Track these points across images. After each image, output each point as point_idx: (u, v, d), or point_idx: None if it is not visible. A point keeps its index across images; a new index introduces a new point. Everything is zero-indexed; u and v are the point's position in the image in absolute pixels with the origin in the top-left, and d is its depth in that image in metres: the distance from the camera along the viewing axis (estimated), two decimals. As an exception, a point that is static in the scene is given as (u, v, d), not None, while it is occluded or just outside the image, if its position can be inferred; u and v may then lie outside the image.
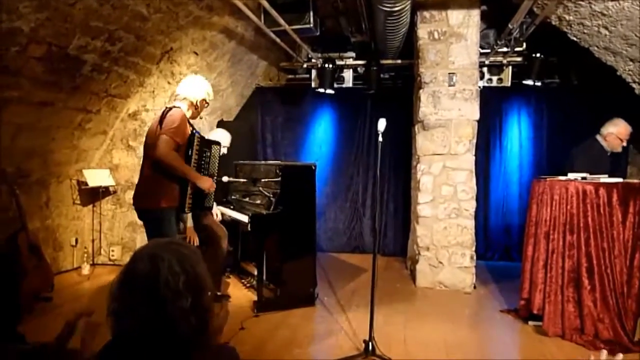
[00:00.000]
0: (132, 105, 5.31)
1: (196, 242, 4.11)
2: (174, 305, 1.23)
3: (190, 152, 3.23)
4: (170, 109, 3.25)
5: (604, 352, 1.49)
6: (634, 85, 4.56)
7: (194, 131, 3.30)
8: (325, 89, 6.42)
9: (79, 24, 3.76)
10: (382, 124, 3.20)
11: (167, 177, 3.18)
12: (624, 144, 4.50)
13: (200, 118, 3.78)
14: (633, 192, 3.43)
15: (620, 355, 1.46)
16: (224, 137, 4.67)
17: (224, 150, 4.58)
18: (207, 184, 3.31)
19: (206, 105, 3.54)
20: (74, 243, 5.17)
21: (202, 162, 3.36)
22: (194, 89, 3.42)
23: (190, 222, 4.18)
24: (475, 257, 4.98)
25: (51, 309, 3.94)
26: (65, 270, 5.09)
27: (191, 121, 3.42)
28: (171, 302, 1.23)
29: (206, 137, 3.56)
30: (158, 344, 1.24)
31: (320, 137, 7.05)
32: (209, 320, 1.35)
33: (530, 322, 3.81)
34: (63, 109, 4.41)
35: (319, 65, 6.45)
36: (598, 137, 4.50)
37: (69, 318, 1.68)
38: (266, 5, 4.30)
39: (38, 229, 4.61)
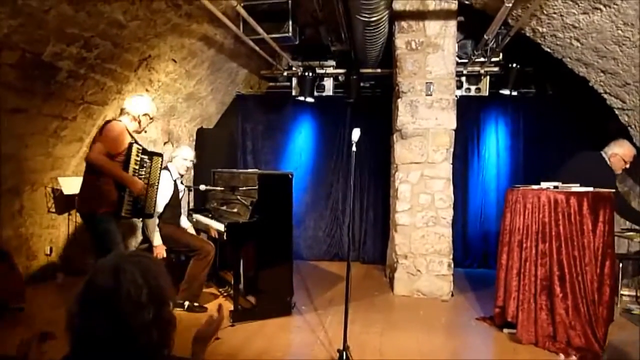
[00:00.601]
0: (110, 112, 5.26)
1: (163, 256, 4.26)
2: (135, 318, 1.22)
3: (128, 161, 3.55)
4: (110, 121, 3.65)
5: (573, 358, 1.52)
6: (605, 96, 4.66)
7: (133, 142, 3.60)
8: (305, 97, 6.45)
9: (53, 31, 3.73)
10: (356, 134, 3.22)
11: (104, 183, 3.50)
12: (627, 166, 4.39)
13: (145, 132, 4.15)
14: (603, 201, 3.49)
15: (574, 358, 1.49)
16: (188, 153, 4.70)
17: (188, 164, 4.65)
18: (137, 186, 3.57)
19: (150, 120, 3.90)
20: (48, 252, 5.08)
21: (142, 172, 3.67)
22: (136, 105, 3.79)
23: (158, 240, 4.28)
24: (452, 265, 5.02)
25: (23, 320, 3.87)
26: (40, 280, 5.00)
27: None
28: (133, 315, 1.22)
29: (149, 150, 3.89)
30: (117, 357, 1.22)
31: (301, 145, 7.07)
32: (171, 332, 1.35)
33: (505, 330, 3.85)
34: (37, 116, 4.35)
35: (299, 74, 6.48)
36: (604, 155, 4.37)
37: (24, 337, 1.64)
38: (244, 14, 4.31)
39: (11, 237, 4.53)
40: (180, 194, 4.69)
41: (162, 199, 4.36)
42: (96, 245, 3.66)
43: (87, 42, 4.10)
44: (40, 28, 3.60)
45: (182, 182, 4.75)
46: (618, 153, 4.34)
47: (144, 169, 3.68)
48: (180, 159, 4.62)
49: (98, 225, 3.54)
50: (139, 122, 3.80)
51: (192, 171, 6.64)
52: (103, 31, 4.11)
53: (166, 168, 4.52)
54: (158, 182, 3.84)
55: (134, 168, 3.58)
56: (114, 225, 3.57)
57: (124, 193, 3.55)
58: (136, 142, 3.66)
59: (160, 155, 3.88)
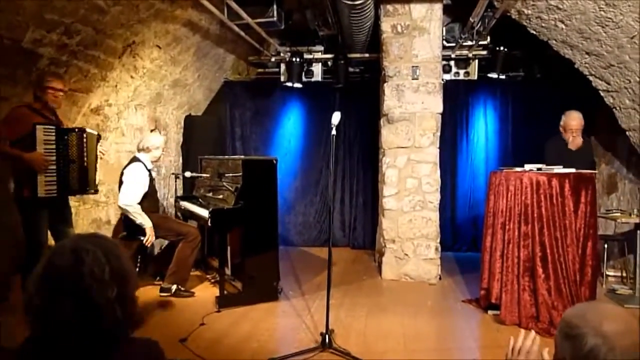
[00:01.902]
0: (95, 100, 5.21)
1: (153, 238, 4.37)
2: (99, 296, 1.22)
3: (34, 143, 3.52)
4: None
5: (522, 332, 1.55)
6: (590, 78, 4.65)
7: (37, 123, 3.56)
8: (293, 83, 6.42)
9: (32, 17, 3.67)
10: (336, 117, 3.22)
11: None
12: (575, 135, 4.35)
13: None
14: (584, 182, 3.51)
15: (532, 333, 1.52)
16: (156, 141, 4.74)
17: (156, 153, 4.63)
18: (35, 158, 3.48)
19: (58, 92, 3.80)
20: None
21: (60, 152, 3.65)
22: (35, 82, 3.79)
23: (149, 222, 4.34)
24: (440, 249, 5.04)
25: (7, 310, 3.87)
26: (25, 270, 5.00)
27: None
28: (97, 292, 1.22)
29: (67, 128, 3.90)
30: (81, 337, 1.22)
31: (290, 131, 7.05)
32: (134, 311, 1.35)
33: (490, 312, 3.89)
34: (19, 104, 4.31)
35: (287, 59, 6.44)
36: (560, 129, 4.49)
37: None
38: (227, -2, 4.27)
39: (-4, 226, 4.52)
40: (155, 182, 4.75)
41: (140, 188, 4.43)
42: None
43: (68, 28, 4.04)
44: (18, 14, 3.55)
45: (153, 170, 4.77)
46: (561, 125, 4.41)
47: (61, 149, 3.66)
48: (152, 148, 4.67)
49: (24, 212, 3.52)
50: (39, 98, 3.77)
51: (180, 158, 6.63)
52: (84, 17, 4.05)
53: (137, 159, 4.55)
54: (81, 158, 3.81)
55: (46, 149, 3.57)
56: (36, 214, 3.57)
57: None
58: (49, 123, 3.65)
59: (79, 130, 3.87)
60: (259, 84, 7.11)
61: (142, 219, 4.31)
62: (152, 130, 5.85)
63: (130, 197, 4.36)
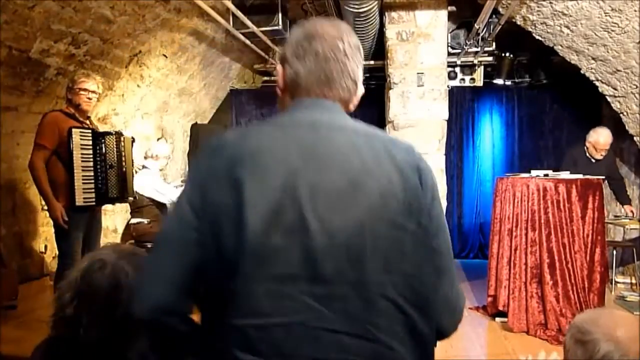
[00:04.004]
0: (102, 109, 5.26)
1: None
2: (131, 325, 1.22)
3: (71, 148, 3.29)
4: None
5: (542, 353, 1.52)
6: (597, 84, 4.63)
7: (72, 127, 3.31)
8: (298, 91, 6.43)
9: (39, 27, 3.72)
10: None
11: (52, 169, 3.31)
12: (602, 153, 4.53)
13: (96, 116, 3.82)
14: (592, 188, 3.49)
15: (555, 354, 1.49)
16: (165, 149, 4.79)
17: (163, 162, 4.67)
18: (54, 211, 3.29)
19: (90, 94, 3.46)
20: (43, 250, 5.10)
21: (97, 157, 3.44)
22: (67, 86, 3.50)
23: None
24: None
25: (15, 317, 3.89)
26: (35, 278, 5.02)
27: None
28: (129, 322, 1.22)
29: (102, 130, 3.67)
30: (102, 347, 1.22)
31: (295, 139, 7.06)
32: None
33: (497, 319, 3.85)
34: (27, 114, 4.36)
35: (293, 67, 6.45)
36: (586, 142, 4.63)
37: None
38: (232, 7, 4.29)
39: (4, 236, 4.55)
40: None
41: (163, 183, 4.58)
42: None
43: (75, 38, 4.09)
44: (26, 25, 3.60)
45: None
46: (591, 141, 4.53)
47: (98, 153, 3.45)
48: (161, 156, 4.73)
49: (54, 227, 3.38)
50: (71, 100, 3.50)
51: (187, 167, 6.66)
52: (91, 27, 4.11)
53: (146, 167, 4.60)
54: (119, 162, 3.61)
55: (83, 154, 3.36)
56: (71, 225, 3.34)
57: (73, 176, 3.31)
58: (83, 127, 3.41)
59: (115, 133, 3.64)
60: (265, 92, 7.13)
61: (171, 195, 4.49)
62: (158, 139, 5.88)
63: (174, 193, 4.51)
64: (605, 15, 3.80)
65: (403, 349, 0.94)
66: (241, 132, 1.03)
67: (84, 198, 3.36)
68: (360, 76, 1.10)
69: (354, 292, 0.91)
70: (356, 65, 1.07)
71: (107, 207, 4.97)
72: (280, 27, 4.85)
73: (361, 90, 1.12)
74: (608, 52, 4.19)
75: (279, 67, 1.09)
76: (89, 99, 3.45)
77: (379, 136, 1.04)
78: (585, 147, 4.61)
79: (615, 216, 4.93)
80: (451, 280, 1.06)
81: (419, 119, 5.00)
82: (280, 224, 0.90)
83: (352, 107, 1.11)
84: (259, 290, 0.90)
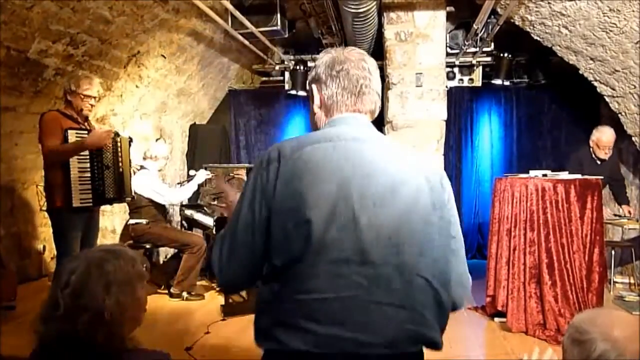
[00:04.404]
0: (100, 109, 5.26)
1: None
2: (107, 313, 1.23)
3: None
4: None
5: (536, 348, 1.52)
6: (595, 84, 4.64)
7: (68, 128, 3.34)
8: (297, 91, 6.43)
9: (38, 28, 3.71)
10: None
11: (50, 170, 3.35)
12: (607, 152, 4.58)
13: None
14: (590, 188, 3.49)
15: (550, 351, 1.49)
16: (163, 149, 4.81)
17: (162, 162, 4.68)
18: (95, 136, 3.31)
19: (92, 100, 3.51)
20: (41, 250, 5.09)
21: (94, 158, 3.45)
22: (65, 86, 3.52)
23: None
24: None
25: (14, 318, 3.88)
26: (33, 278, 5.01)
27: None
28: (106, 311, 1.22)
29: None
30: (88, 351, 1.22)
31: (294, 139, 7.06)
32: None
33: (496, 319, 3.86)
34: (25, 114, 4.35)
35: (292, 68, 6.46)
36: (590, 142, 4.68)
37: None
38: (230, 7, 4.29)
39: (3, 236, 4.54)
40: None
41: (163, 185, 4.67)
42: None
43: (73, 38, 4.09)
44: (24, 25, 3.59)
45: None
46: (593, 139, 4.59)
47: (96, 153, 3.45)
48: (160, 156, 4.74)
49: (56, 224, 3.40)
50: (69, 102, 3.50)
51: (185, 167, 6.65)
52: (89, 27, 4.10)
53: (145, 168, 4.61)
54: (116, 163, 3.61)
55: (80, 155, 3.37)
56: (69, 225, 3.38)
57: (70, 177, 3.32)
58: (80, 127, 3.43)
59: (115, 134, 3.65)
60: (264, 93, 7.13)
61: (192, 185, 4.70)
62: (157, 140, 5.88)
63: (171, 194, 4.58)
64: (604, 16, 3.80)
65: (431, 317, 1.21)
66: (295, 144, 1.22)
67: (81, 199, 3.37)
68: (380, 91, 1.36)
69: (396, 272, 1.17)
70: (378, 82, 1.34)
71: (105, 208, 4.96)
72: (279, 27, 4.84)
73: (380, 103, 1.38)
74: (606, 52, 4.19)
75: (314, 89, 1.35)
76: (91, 105, 3.51)
77: (406, 148, 1.32)
78: (590, 148, 4.64)
79: (615, 215, 4.94)
80: (463, 260, 1.35)
81: (417, 119, 5.00)
82: (337, 220, 1.15)
83: (376, 114, 1.38)
84: (319, 272, 1.14)
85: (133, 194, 3.95)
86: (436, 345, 1.24)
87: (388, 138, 1.34)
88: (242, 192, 1.24)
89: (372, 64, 1.33)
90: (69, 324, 1.19)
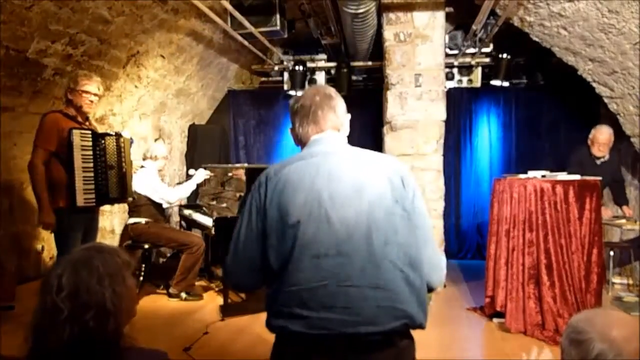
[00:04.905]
0: (99, 109, 5.25)
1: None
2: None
3: (72, 149, 3.30)
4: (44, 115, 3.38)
5: (535, 350, 1.52)
6: (594, 85, 4.65)
7: (73, 128, 3.31)
8: (296, 91, 6.43)
9: (37, 28, 3.71)
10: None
11: (53, 170, 3.31)
12: (602, 150, 4.56)
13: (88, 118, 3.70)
14: (589, 189, 3.50)
15: (547, 351, 1.50)
16: (163, 149, 4.82)
17: (162, 162, 4.69)
18: (45, 218, 3.26)
19: (92, 96, 3.47)
20: (40, 250, 5.09)
21: (97, 158, 3.44)
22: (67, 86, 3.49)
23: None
24: (445, 257, 5.01)
25: (13, 318, 3.87)
26: (32, 278, 5.01)
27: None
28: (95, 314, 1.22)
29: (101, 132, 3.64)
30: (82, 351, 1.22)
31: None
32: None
33: (495, 320, 3.86)
34: (24, 114, 4.34)
35: (291, 68, 6.46)
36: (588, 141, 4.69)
37: None
38: (230, 8, 4.29)
39: (2, 236, 4.53)
40: None
41: (163, 185, 4.68)
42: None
43: (73, 38, 4.09)
44: (24, 25, 3.59)
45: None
46: (590, 138, 4.60)
47: (98, 154, 3.45)
48: (160, 156, 4.75)
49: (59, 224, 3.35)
50: (70, 102, 3.49)
51: (184, 167, 6.66)
52: (88, 27, 4.10)
53: (143, 167, 4.61)
54: (119, 163, 3.61)
55: (84, 155, 3.36)
56: (71, 226, 3.35)
57: (74, 177, 3.31)
58: (82, 127, 3.42)
59: (116, 134, 3.64)
60: (263, 93, 7.14)
61: (191, 184, 4.71)
62: (156, 140, 5.88)
63: (169, 193, 4.58)
64: (602, 17, 3.81)
65: (403, 293, 1.42)
66: (278, 167, 1.53)
67: (85, 199, 3.37)
68: (340, 109, 1.64)
69: (366, 259, 1.39)
70: (335, 103, 1.62)
71: (104, 208, 4.96)
72: (279, 27, 4.84)
73: (347, 117, 1.69)
74: (605, 53, 4.20)
75: (290, 130, 1.68)
76: (91, 101, 3.47)
77: (371, 154, 1.57)
78: (588, 148, 4.64)
79: (614, 216, 4.94)
80: (433, 247, 1.57)
81: (416, 119, 5.00)
82: (313, 222, 1.41)
83: (343, 128, 1.66)
84: (304, 266, 1.40)
85: (134, 194, 3.96)
86: (414, 320, 1.44)
87: (353, 148, 1.60)
88: (242, 211, 1.54)
89: (325, 93, 1.63)
90: (77, 324, 1.18)
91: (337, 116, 1.62)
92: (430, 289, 1.57)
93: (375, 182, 1.47)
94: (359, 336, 1.38)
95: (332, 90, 1.66)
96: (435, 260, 1.57)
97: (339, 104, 1.64)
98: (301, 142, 1.63)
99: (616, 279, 5.03)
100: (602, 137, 4.51)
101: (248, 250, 1.49)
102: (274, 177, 1.49)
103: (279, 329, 1.47)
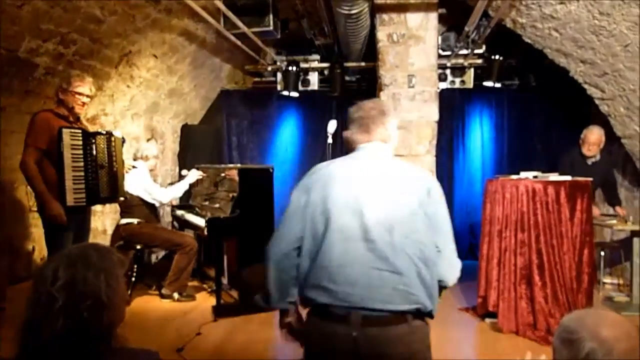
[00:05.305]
0: (91, 109, 5.22)
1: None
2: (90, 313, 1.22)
3: (61, 148, 3.27)
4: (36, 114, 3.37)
5: (529, 354, 1.53)
6: (585, 86, 4.68)
7: (63, 127, 3.30)
8: (289, 92, 6.42)
9: (28, 27, 3.68)
10: (332, 125, 3.24)
11: (45, 170, 3.30)
12: (592, 150, 4.59)
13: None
14: (580, 190, 3.53)
15: (544, 356, 1.50)
16: (154, 149, 4.83)
17: (153, 162, 4.67)
18: (52, 209, 3.25)
19: (84, 97, 3.48)
20: (31, 250, 5.05)
21: (88, 157, 3.43)
22: (58, 85, 3.50)
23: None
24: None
25: (4, 320, 3.84)
26: (24, 279, 4.97)
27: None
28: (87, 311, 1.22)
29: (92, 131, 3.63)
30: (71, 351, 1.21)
31: (286, 140, 7.06)
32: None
33: (487, 320, 3.88)
34: (16, 114, 4.31)
35: (284, 68, 6.46)
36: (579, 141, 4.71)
37: None
38: (223, 7, 4.28)
39: (-7, 237, 4.50)
40: None
41: (155, 185, 4.66)
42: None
43: (64, 38, 4.06)
44: (14, 24, 3.56)
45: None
46: (582, 138, 4.63)
47: (89, 153, 3.43)
48: (151, 156, 4.74)
49: (44, 227, 3.38)
50: (63, 102, 3.48)
51: (177, 168, 6.63)
52: (80, 27, 4.07)
53: (135, 167, 4.59)
54: (110, 162, 3.61)
55: (74, 154, 3.35)
56: (62, 226, 3.31)
57: (64, 176, 3.30)
58: (73, 127, 3.41)
59: (107, 133, 3.64)
60: (256, 93, 7.12)
61: (183, 184, 4.73)
62: (148, 140, 5.86)
63: (161, 193, 4.57)
64: (594, 19, 3.84)
65: (415, 283, 1.64)
66: (327, 163, 1.86)
67: (75, 198, 3.36)
68: (390, 124, 1.87)
69: (389, 247, 1.64)
70: (386, 119, 1.86)
71: (96, 208, 4.93)
72: (272, 28, 4.83)
73: (396, 132, 1.93)
74: (596, 55, 4.23)
75: (344, 132, 1.92)
76: (83, 102, 3.48)
77: (406, 166, 1.84)
78: (579, 149, 4.66)
79: (603, 215, 4.97)
80: (452, 249, 1.80)
81: (409, 120, 5.01)
82: (349, 210, 1.68)
83: (391, 141, 1.89)
84: (337, 246, 1.66)
85: (126, 194, 3.94)
86: (425, 307, 1.66)
87: (394, 158, 1.88)
88: (293, 191, 1.83)
89: (378, 108, 1.88)
90: (71, 316, 1.18)
91: (386, 130, 1.86)
92: (444, 287, 1.80)
93: (405, 188, 1.72)
94: (375, 311, 1.60)
95: (387, 108, 1.92)
96: (453, 261, 1.80)
97: (391, 120, 1.88)
98: (351, 146, 1.88)
99: (607, 279, 5.07)
100: (592, 137, 4.54)
101: (292, 225, 1.74)
102: (323, 169, 1.80)
103: (310, 300, 1.70)
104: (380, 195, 1.70)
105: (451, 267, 1.79)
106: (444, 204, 1.79)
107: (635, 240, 4.29)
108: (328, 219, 1.67)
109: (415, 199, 1.70)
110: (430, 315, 1.71)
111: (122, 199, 3.86)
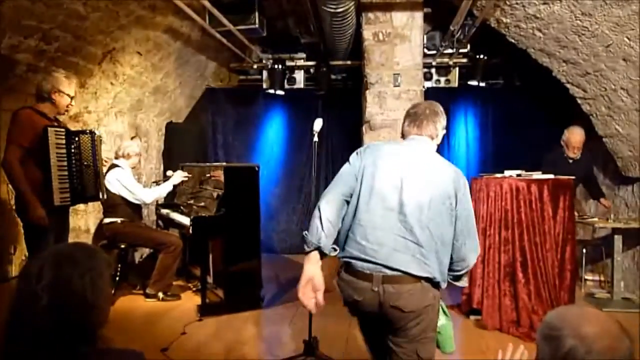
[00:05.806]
0: (74, 106, 5.15)
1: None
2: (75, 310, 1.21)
3: (47, 147, 3.24)
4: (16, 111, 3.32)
5: (510, 346, 1.55)
6: (567, 86, 4.74)
7: (48, 126, 3.27)
8: (275, 90, 6.41)
9: (9, 22, 3.61)
10: (317, 124, 3.24)
11: (27, 169, 3.24)
12: (576, 152, 4.67)
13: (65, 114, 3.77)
14: (563, 188, 3.57)
15: (522, 347, 1.53)
16: (136, 147, 4.80)
17: (135, 160, 4.66)
18: (34, 212, 3.20)
19: (67, 97, 3.50)
20: (12, 251, 4.96)
21: (72, 156, 3.40)
22: (42, 83, 3.48)
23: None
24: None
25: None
26: (4, 280, 4.88)
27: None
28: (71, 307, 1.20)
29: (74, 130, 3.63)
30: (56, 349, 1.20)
31: (272, 138, 7.05)
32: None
33: (472, 317, 3.91)
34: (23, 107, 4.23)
35: (269, 66, 6.44)
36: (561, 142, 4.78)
37: None
38: (208, 5, 4.26)
39: (-28, 236, 4.41)
40: None
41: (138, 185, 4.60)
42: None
43: (46, 34, 3.99)
44: (-5, 20, 3.49)
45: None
46: (564, 139, 4.71)
47: (73, 152, 3.41)
48: (132, 154, 4.70)
49: (24, 228, 3.35)
50: (52, 101, 3.48)
51: (162, 166, 6.57)
52: (63, 23, 4.01)
53: (117, 166, 4.54)
54: (95, 162, 3.59)
55: (59, 153, 3.32)
56: (43, 226, 3.24)
57: (50, 176, 3.26)
58: (59, 125, 3.40)
59: (90, 132, 3.62)
60: (241, 91, 7.09)
61: (167, 185, 4.70)
62: (132, 138, 5.80)
63: (144, 193, 4.53)
64: (576, 19, 3.89)
65: (431, 257, 1.95)
66: (382, 143, 2.30)
67: (61, 198, 3.32)
68: (440, 124, 2.18)
69: (417, 223, 1.95)
70: (437, 119, 2.17)
71: (79, 207, 4.86)
72: (257, 25, 4.82)
73: (443, 131, 2.22)
74: (578, 55, 4.29)
75: (403, 124, 2.24)
76: (67, 103, 3.49)
77: (443, 161, 2.11)
78: (562, 148, 4.74)
79: (586, 215, 5.04)
80: (474, 235, 2.08)
81: (395, 119, 5.03)
82: (391, 184, 1.99)
83: (437, 138, 2.19)
84: (376, 212, 1.98)
85: (106, 192, 3.91)
86: (437, 278, 1.96)
87: (435, 153, 2.15)
88: (351, 156, 2.12)
89: (431, 109, 2.17)
90: (56, 314, 1.16)
91: (435, 128, 2.17)
92: (468, 265, 2.07)
93: (438, 179, 2.01)
94: (394, 270, 1.91)
95: (440, 109, 2.20)
96: (474, 245, 2.07)
97: (441, 120, 2.19)
98: (404, 135, 2.20)
99: (589, 276, 5.14)
100: (574, 139, 4.61)
101: (346, 180, 2.06)
102: (378, 145, 2.15)
103: (345, 253, 2.03)
104: (419, 179, 1.99)
105: (473, 250, 2.07)
106: (468, 197, 2.08)
107: (616, 237, 4.37)
108: (373, 187, 1.98)
109: (444, 190, 1.98)
110: (438, 286, 1.99)
111: (104, 197, 3.83)
